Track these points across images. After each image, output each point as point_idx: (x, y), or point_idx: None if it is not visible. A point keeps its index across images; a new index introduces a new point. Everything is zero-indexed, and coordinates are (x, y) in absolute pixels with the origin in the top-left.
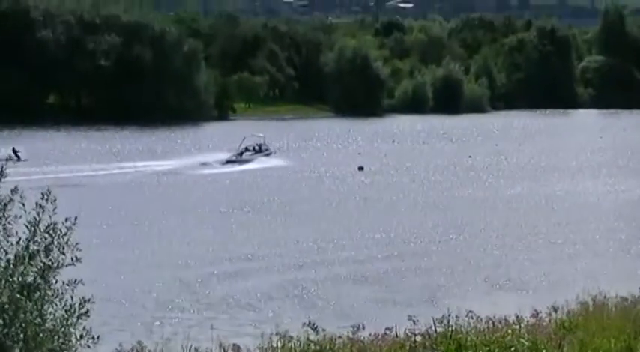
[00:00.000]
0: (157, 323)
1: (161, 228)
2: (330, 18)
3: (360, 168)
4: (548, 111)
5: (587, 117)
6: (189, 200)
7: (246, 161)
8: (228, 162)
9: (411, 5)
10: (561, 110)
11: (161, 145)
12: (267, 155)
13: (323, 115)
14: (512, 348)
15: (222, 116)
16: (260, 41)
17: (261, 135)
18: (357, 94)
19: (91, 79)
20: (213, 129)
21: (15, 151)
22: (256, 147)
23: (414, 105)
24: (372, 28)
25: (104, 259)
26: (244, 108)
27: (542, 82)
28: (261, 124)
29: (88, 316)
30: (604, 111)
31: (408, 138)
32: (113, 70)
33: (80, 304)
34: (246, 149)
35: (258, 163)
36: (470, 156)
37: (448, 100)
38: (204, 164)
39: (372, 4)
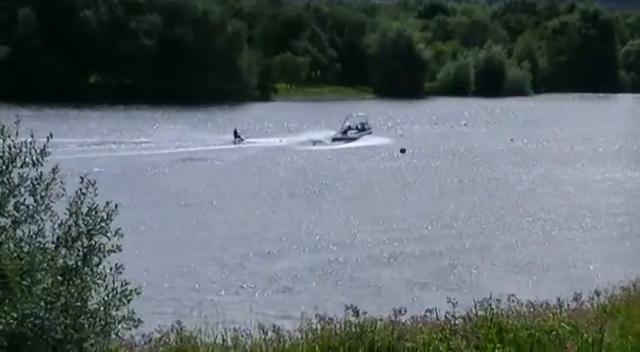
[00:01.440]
0: (196, 304)
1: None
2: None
3: (402, 151)
4: (590, 95)
5: (629, 102)
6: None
7: (352, 139)
8: (335, 139)
9: None
10: (603, 94)
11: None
12: (369, 134)
13: (365, 97)
14: (554, 332)
15: (265, 97)
16: (303, 22)
17: (362, 114)
18: (400, 76)
19: (133, 59)
20: (257, 110)
21: (236, 133)
22: (359, 126)
23: (457, 87)
24: (415, 10)
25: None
26: (286, 89)
27: (585, 65)
28: (303, 105)
29: (130, 299)
30: None
31: (451, 120)
32: (155, 50)
33: (122, 287)
34: (349, 127)
35: (364, 141)
36: (512, 140)
37: (490, 83)
38: (315, 142)
39: None
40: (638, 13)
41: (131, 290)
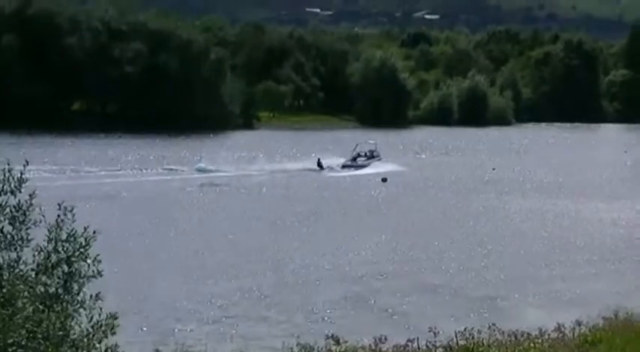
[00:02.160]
0: (175, 331)
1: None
2: (356, 28)
3: (384, 180)
4: (573, 124)
5: (612, 132)
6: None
7: (362, 166)
8: (345, 166)
9: (437, 16)
10: (586, 124)
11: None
12: (379, 160)
13: (348, 126)
14: None
15: (248, 125)
16: (286, 51)
17: (372, 141)
18: (383, 105)
19: (117, 86)
20: (240, 138)
21: (319, 163)
22: (368, 153)
23: (440, 116)
24: (398, 39)
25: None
26: (269, 118)
27: (568, 95)
28: (288, 134)
29: (114, 332)
30: (630, 125)
31: (436, 149)
32: (139, 77)
33: (107, 319)
34: (359, 155)
35: (374, 168)
36: (494, 169)
37: (473, 112)
38: (327, 168)
39: (399, 14)
40: (622, 44)
41: (114, 323)
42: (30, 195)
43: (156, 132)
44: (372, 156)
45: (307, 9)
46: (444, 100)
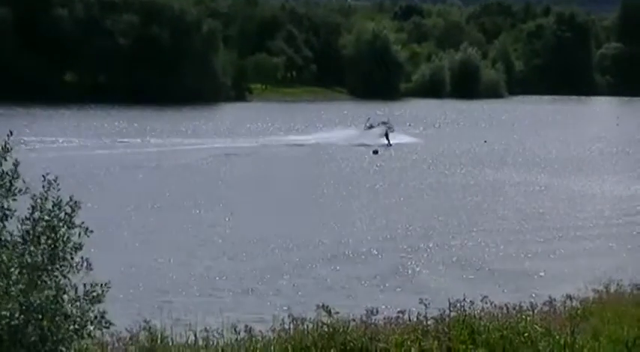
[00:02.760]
0: (165, 305)
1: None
2: (348, 1)
3: (375, 152)
4: (565, 97)
5: (604, 105)
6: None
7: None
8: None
9: None
10: (578, 97)
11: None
12: (392, 132)
13: (340, 98)
14: (526, 334)
15: (240, 97)
16: (278, 23)
17: (382, 113)
18: (375, 78)
19: (109, 58)
20: (233, 110)
21: (387, 137)
22: (381, 125)
23: (431, 89)
24: (390, 12)
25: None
26: (261, 90)
27: (560, 68)
28: (281, 106)
29: (101, 300)
30: (621, 98)
31: (426, 122)
32: (131, 49)
33: (94, 288)
34: (371, 126)
35: (391, 139)
36: (485, 141)
37: (465, 85)
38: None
39: None
40: (614, 16)
41: (102, 291)
42: (14, 164)
43: (147, 104)
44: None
45: None
46: (436, 73)
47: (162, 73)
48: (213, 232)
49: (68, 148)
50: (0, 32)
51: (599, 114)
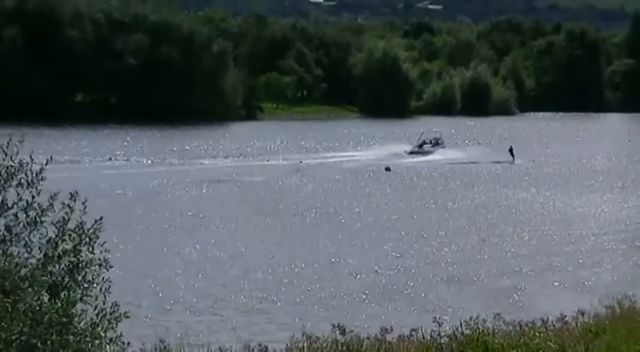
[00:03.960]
0: (178, 324)
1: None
2: (358, 19)
3: (387, 169)
4: (576, 114)
5: (615, 122)
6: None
7: (428, 152)
8: (412, 153)
9: (440, 7)
10: (589, 114)
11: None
12: (443, 148)
13: (351, 116)
14: (540, 351)
15: (250, 116)
16: (288, 42)
17: (436, 130)
18: (385, 96)
19: (119, 78)
20: (244, 129)
21: (511, 151)
22: (433, 141)
23: (442, 107)
24: (400, 30)
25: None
26: (272, 109)
27: (571, 85)
28: (295, 124)
29: (119, 321)
30: (632, 115)
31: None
32: (141, 69)
33: (112, 308)
34: (424, 142)
35: (439, 155)
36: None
37: (476, 103)
38: (395, 154)
39: (401, 5)
40: (624, 33)
41: (120, 313)
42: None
43: (157, 124)
44: (436, 143)
45: (309, 0)
46: (447, 91)
47: (173, 93)
48: (236, 251)
49: (86, 168)
50: (10, 52)
51: (611, 130)
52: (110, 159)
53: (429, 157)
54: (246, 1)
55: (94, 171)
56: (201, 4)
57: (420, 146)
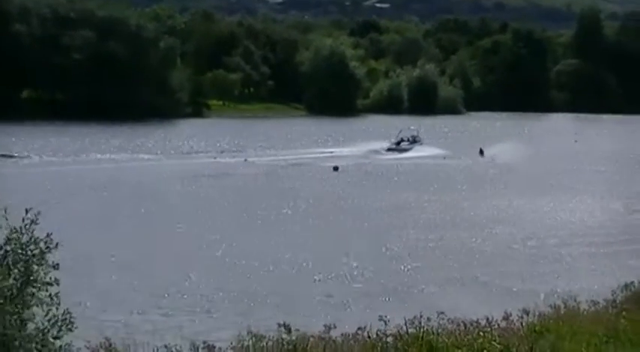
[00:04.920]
0: (124, 324)
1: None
2: (306, 17)
3: (335, 169)
4: (522, 114)
5: (561, 121)
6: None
7: (406, 149)
8: (389, 150)
9: (387, 5)
10: (536, 113)
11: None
12: (421, 145)
13: (298, 114)
14: (484, 350)
15: (197, 113)
16: (235, 39)
17: (413, 127)
18: (332, 94)
19: (66, 74)
20: (191, 127)
21: (481, 151)
22: (410, 138)
23: (389, 105)
24: (348, 28)
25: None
26: (219, 106)
27: (517, 84)
28: (240, 122)
29: (71, 330)
30: (578, 115)
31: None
32: (88, 65)
33: (63, 316)
34: (402, 139)
35: (416, 152)
36: (444, 158)
37: (423, 101)
38: (372, 151)
39: (348, 3)
40: (571, 33)
41: (70, 321)
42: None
43: (104, 120)
44: (414, 140)
45: None
46: (394, 89)
47: (120, 90)
48: (180, 249)
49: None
50: None
51: (557, 130)
52: (55, 155)
53: (407, 154)
54: None
55: (38, 168)
56: (149, 0)
57: (398, 143)
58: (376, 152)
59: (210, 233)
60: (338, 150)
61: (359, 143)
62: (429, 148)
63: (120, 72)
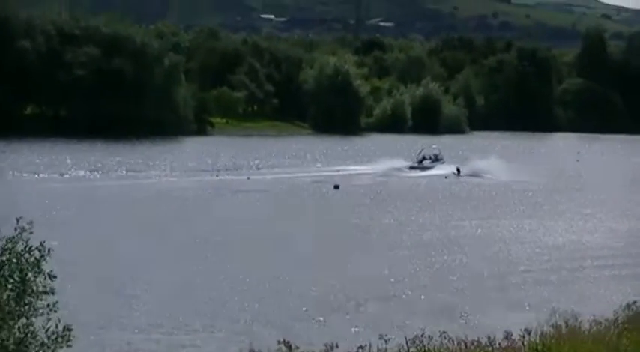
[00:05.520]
0: (126, 342)
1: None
2: (310, 35)
3: (336, 187)
4: (526, 133)
5: (565, 141)
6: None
7: (428, 168)
8: (412, 168)
9: (391, 24)
10: (539, 132)
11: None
12: (442, 163)
13: (301, 132)
14: None
15: (201, 131)
16: (240, 57)
17: (435, 146)
18: (336, 112)
19: (70, 90)
20: (195, 144)
21: (458, 169)
22: (432, 156)
23: (393, 124)
24: (352, 46)
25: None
26: (222, 124)
27: (522, 103)
28: (245, 140)
29: (70, 344)
30: (582, 134)
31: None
32: (92, 82)
33: (63, 332)
34: (424, 158)
35: (438, 170)
36: (446, 177)
37: (427, 120)
38: (396, 169)
39: (353, 22)
40: (575, 52)
41: (70, 335)
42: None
43: (108, 137)
44: (436, 159)
45: (261, 15)
46: (398, 108)
47: (124, 106)
48: (180, 268)
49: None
50: None
51: (561, 149)
52: (61, 174)
53: (429, 172)
54: (199, 16)
55: (42, 185)
56: (154, 18)
57: (420, 161)
58: (398, 170)
59: (210, 250)
60: (358, 168)
61: (379, 161)
62: (451, 166)
63: (124, 89)
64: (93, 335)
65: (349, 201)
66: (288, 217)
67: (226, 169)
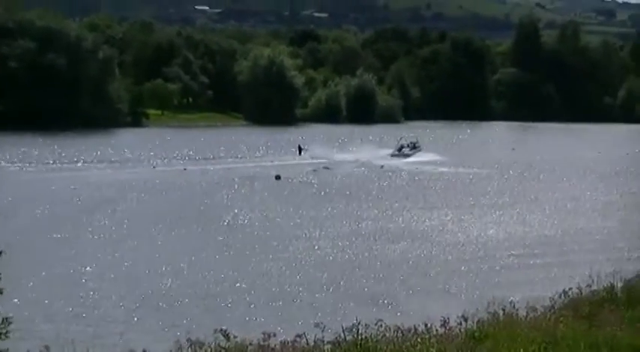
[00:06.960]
0: (63, 329)
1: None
2: (244, 27)
3: (277, 178)
4: (460, 122)
5: (500, 130)
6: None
7: (408, 155)
8: (393, 156)
9: (325, 15)
10: (474, 122)
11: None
12: (420, 151)
13: (237, 124)
14: None
15: (136, 123)
16: (174, 49)
17: (413, 135)
18: (271, 103)
19: (4, 84)
20: (129, 136)
21: (300, 148)
22: (410, 145)
23: (328, 114)
24: (286, 38)
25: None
26: (157, 116)
27: (456, 93)
28: (179, 132)
29: (7, 336)
30: (516, 123)
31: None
32: (27, 75)
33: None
34: (402, 146)
35: (418, 157)
36: (382, 167)
37: (361, 110)
38: (377, 158)
39: (287, 13)
40: (509, 42)
41: (7, 329)
42: None
43: (42, 130)
44: (414, 147)
45: (196, 7)
46: (332, 98)
47: (59, 99)
48: (117, 259)
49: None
50: None
51: (495, 139)
52: None
53: (409, 159)
54: (132, 7)
55: None
56: (86, 11)
57: (399, 149)
58: (381, 158)
59: (145, 242)
60: (345, 155)
61: (357, 151)
62: (429, 154)
63: (58, 82)
64: (31, 328)
65: (291, 191)
66: (221, 206)
67: (164, 159)
